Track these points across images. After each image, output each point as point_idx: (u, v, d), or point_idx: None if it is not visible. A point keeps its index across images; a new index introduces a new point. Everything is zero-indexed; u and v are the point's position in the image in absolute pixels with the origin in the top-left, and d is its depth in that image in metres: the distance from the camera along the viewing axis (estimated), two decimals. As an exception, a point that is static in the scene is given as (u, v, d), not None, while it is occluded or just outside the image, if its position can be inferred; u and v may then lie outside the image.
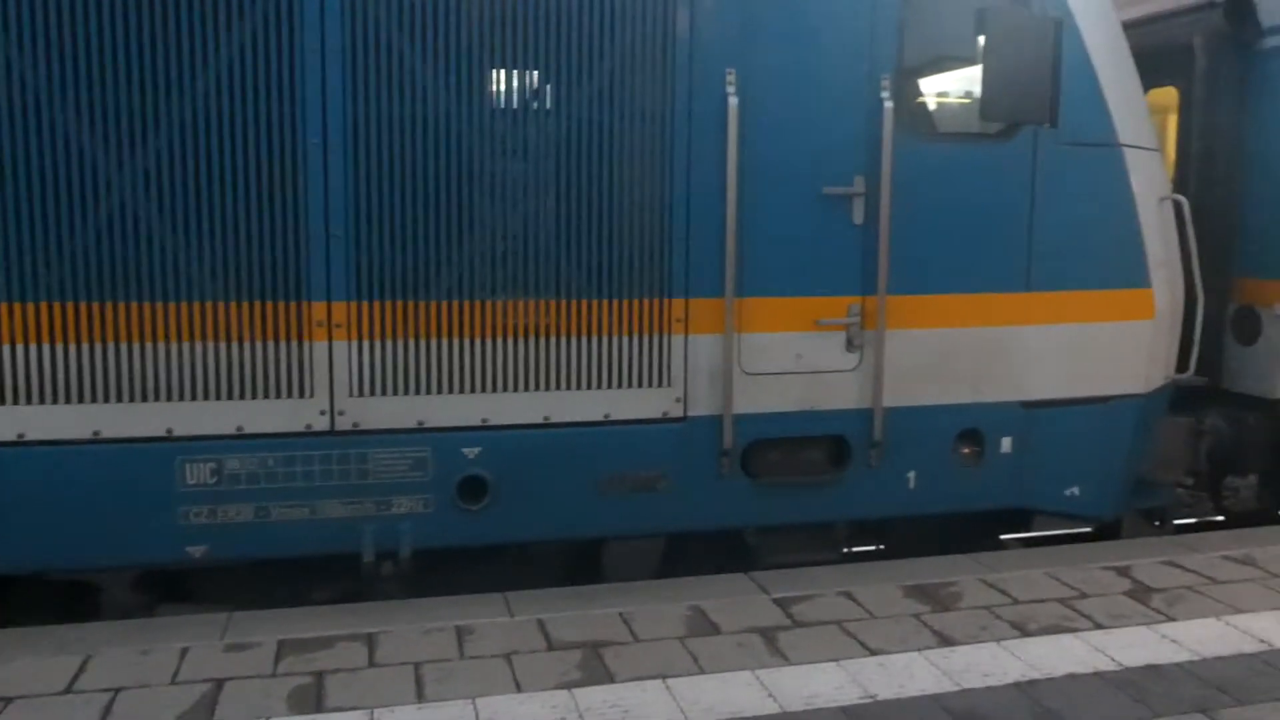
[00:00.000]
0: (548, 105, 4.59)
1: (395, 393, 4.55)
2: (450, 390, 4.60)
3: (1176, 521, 6.89)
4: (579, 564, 5.22)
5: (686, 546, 5.27)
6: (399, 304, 4.50)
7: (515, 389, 4.67)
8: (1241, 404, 6.48)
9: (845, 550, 5.61)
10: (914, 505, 5.30)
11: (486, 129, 4.50)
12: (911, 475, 5.25)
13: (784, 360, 4.99)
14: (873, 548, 5.95)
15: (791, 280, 4.96)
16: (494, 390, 4.64)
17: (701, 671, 3.95)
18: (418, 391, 4.57)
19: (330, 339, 4.46)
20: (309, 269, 4.39)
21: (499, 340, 4.62)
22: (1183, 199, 5.68)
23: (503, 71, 4.54)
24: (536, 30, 4.50)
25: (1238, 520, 7.09)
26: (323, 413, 4.48)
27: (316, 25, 4.29)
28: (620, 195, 4.68)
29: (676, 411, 4.89)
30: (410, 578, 4.80)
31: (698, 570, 5.14)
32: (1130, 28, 5.73)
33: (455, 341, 4.58)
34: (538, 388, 4.69)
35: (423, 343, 4.55)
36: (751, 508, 5.07)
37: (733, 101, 4.70)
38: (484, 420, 4.65)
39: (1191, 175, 6.53)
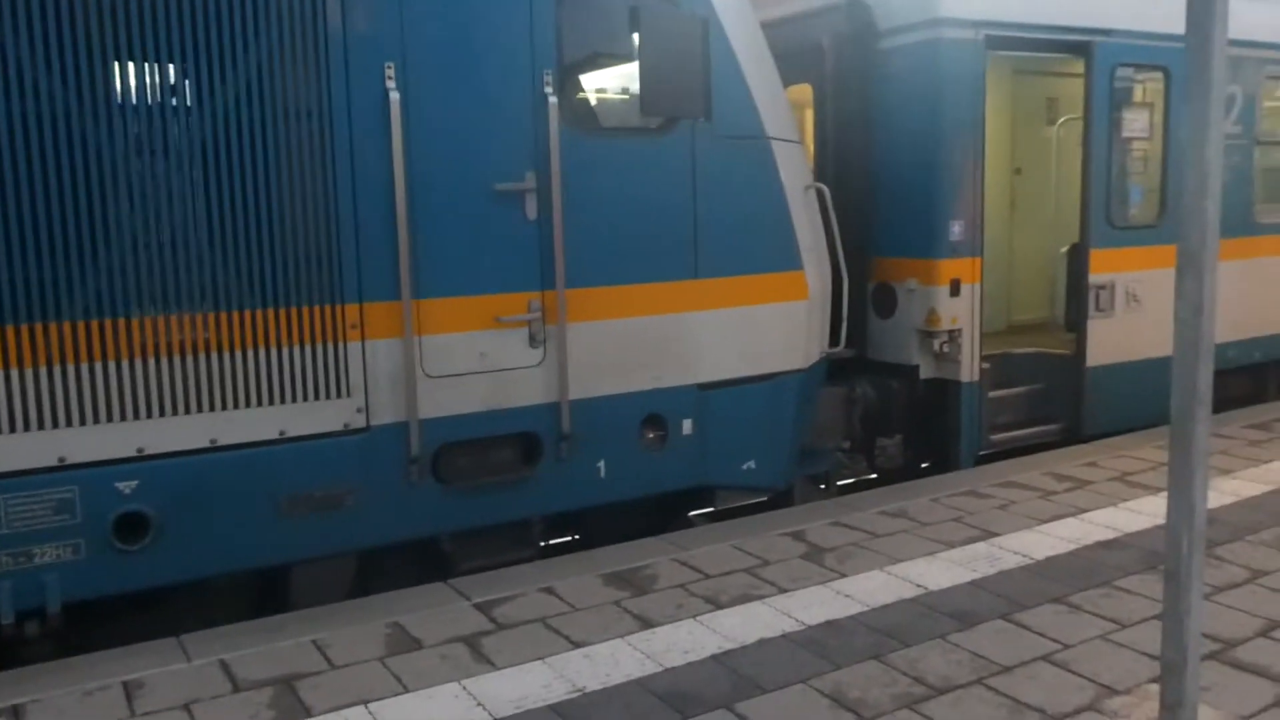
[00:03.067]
0: (188, 102, 4.20)
1: (28, 428, 4.00)
2: (96, 420, 4.11)
3: (840, 483, 7.50)
4: (265, 594, 4.85)
5: (381, 561, 5.05)
6: (24, 328, 3.95)
7: (174, 412, 4.25)
8: (885, 371, 7.16)
9: (543, 545, 5.61)
10: (607, 493, 5.39)
11: (116, 128, 4.05)
12: (602, 464, 5.33)
13: (468, 360, 4.90)
14: (569, 539, 6.01)
15: (470, 279, 4.88)
16: (149, 416, 4.20)
17: (406, 690, 3.79)
18: (55, 425, 4.04)
19: None
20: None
21: (151, 360, 4.18)
22: (824, 187, 6.16)
23: (133, 66, 4.10)
24: (170, 20, 4.10)
25: (888, 476, 7.84)
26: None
27: None
28: (278, 197, 4.37)
29: (359, 422, 4.66)
30: (64, 635, 4.25)
31: (395, 584, 4.93)
32: (767, 28, 6.13)
33: (98, 365, 4.09)
34: (201, 409, 4.30)
35: (57, 369, 4.03)
36: (445, 514, 4.94)
37: (394, 97, 4.54)
38: (139, 450, 4.20)
39: (829, 166, 7.12)
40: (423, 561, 5.13)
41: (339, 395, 4.60)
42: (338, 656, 4.08)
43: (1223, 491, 5.95)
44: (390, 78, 4.55)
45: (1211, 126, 3.07)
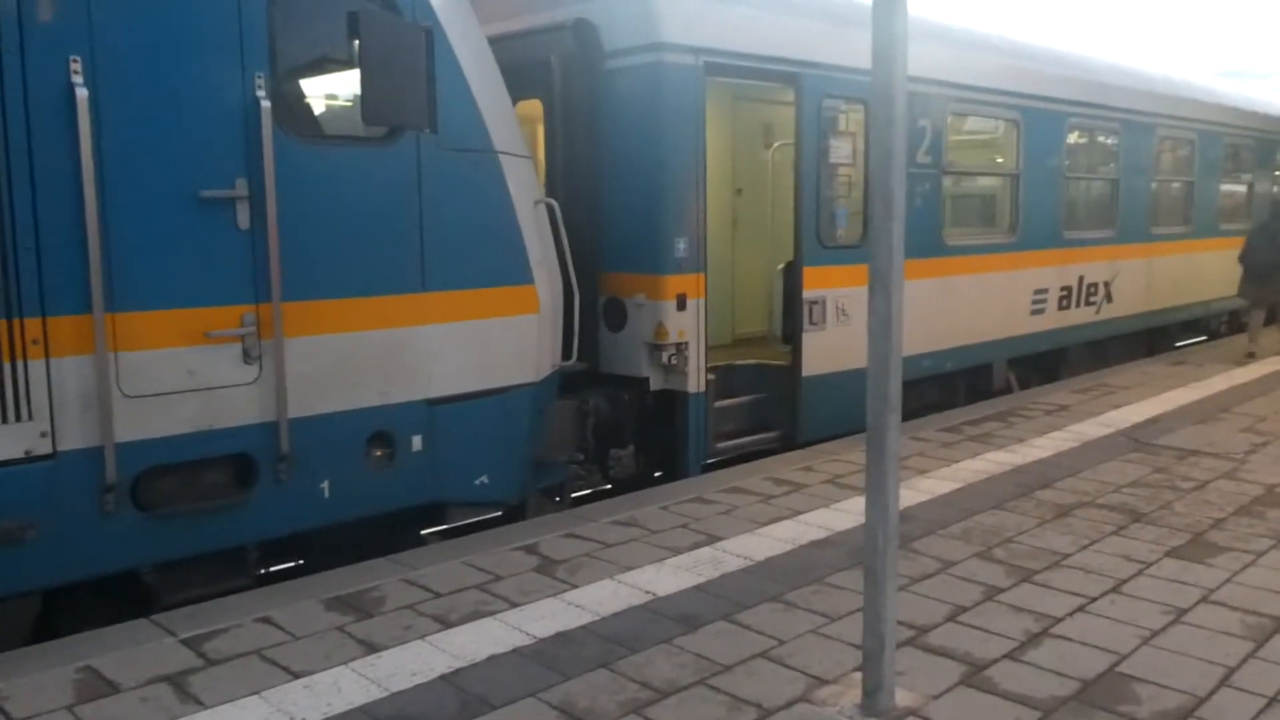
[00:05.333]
0: None
1: None
2: None
3: (574, 495, 7.58)
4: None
5: (74, 599, 4.59)
6: None
7: None
8: (616, 384, 7.31)
9: (261, 572, 5.30)
10: (331, 514, 5.17)
11: None
12: (326, 484, 5.11)
13: (173, 378, 4.55)
14: (292, 564, 5.71)
15: (175, 291, 4.53)
16: None
17: (98, 741, 3.46)
18: None
19: None
20: None
21: None
22: (554, 202, 6.22)
23: None
24: None
25: (622, 486, 8.00)
26: None
27: None
28: None
29: (44, 448, 4.22)
30: None
31: (91, 625, 4.50)
32: (496, 43, 6.12)
33: None
34: None
35: None
36: (147, 544, 4.56)
37: (82, 93, 4.15)
38: None
39: (559, 181, 7.20)
40: (124, 597, 4.72)
41: (19, 419, 4.15)
42: (18, 709, 3.66)
43: (918, 490, 6.49)
44: (76, 72, 4.16)
45: (896, 156, 3.34)
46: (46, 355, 4.19)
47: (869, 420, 3.48)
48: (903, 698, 3.73)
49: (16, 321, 4.10)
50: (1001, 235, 10.19)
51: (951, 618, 4.52)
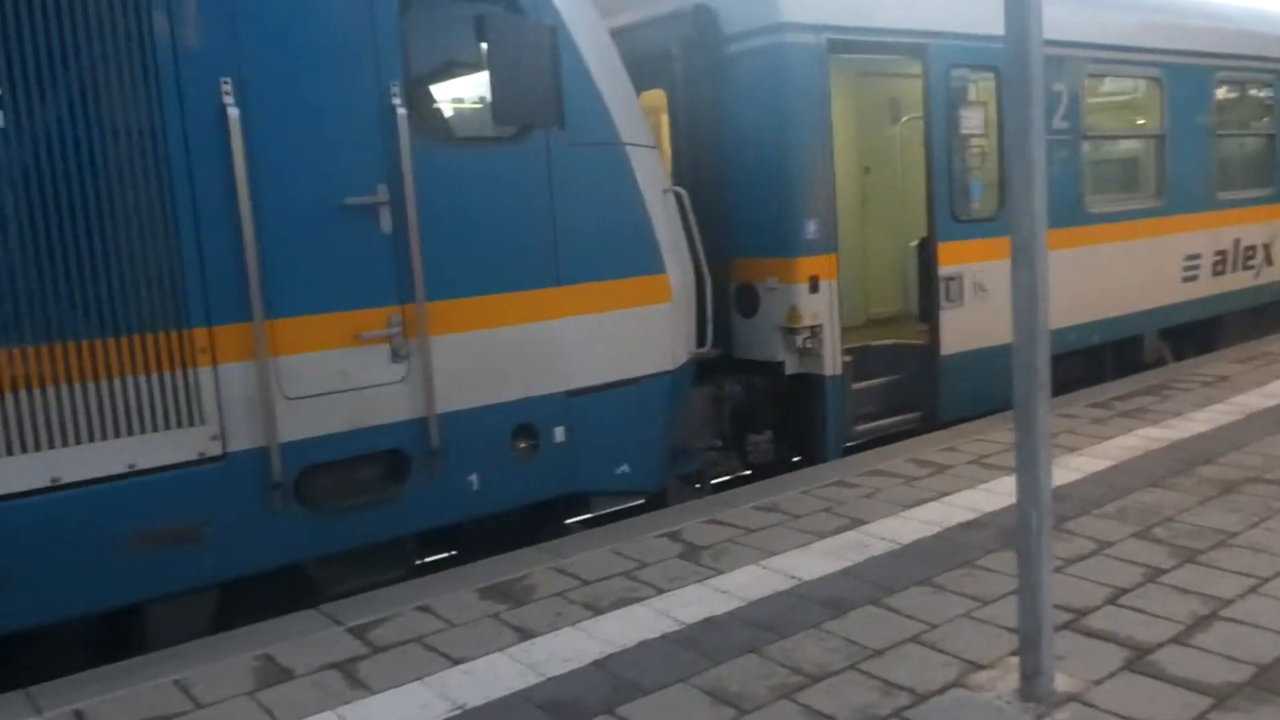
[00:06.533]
0: (3, 124, 3.95)
1: None
2: (-77, 464, 3.85)
3: (713, 481, 7.60)
4: (121, 636, 4.62)
5: (248, 591, 4.87)
6: None
7: (10, 452, 4.00)
8: (751, 369, 7.30)
9: (417, 563, 5.51)
10: (480, 506, 5.33)
11: None
12: (474, 478, 5.27)
13: (328, 380, 4.77)
14: (445, 555, 5.92)
15: (326, 296, 4.75)
16: None
17: (277, 724, 3.66)
18: None
19: None
20: None
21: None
22: (682, 191, 6.24)
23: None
24: None
25: (761, 471, 7.98)
26: None
27: None
28: (109, 221, 4.16)
29: (215, 450, 4.49)
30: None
31: (263, 616, 4.76)
32: (617, 35, 6.17)
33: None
34: (39, 447, 4.06)
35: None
36: (311, 539, 4.80)
37: (233, 113, 4.38)
38: (-26, 494, 3.95)
39: (686, 169, 7.22)
40: (292, 590, 4.97)
41: (192, 423, 4.42)
42: (203, 695, 3.91)
43: (1070, 469, 6.27)
44: (227, 93, 4.39)
45: (1034, 123, 3.24)
46: (214, 362, 4.45)
47: (1016, 396, 3.39)
48: (1062, 683, 3.62)
49: (185, 332, 4.37)
50: (1147, 200, 9.71)
51: (1111, 600, 4.37)
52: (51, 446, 4.09)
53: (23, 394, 4.02)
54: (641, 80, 6.45)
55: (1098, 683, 3.65)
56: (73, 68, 4.06)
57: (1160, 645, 3.91)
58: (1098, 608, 4.29)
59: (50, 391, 4.07)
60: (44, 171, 4.03)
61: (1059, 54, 8.30)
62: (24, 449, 4.03)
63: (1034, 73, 3.21)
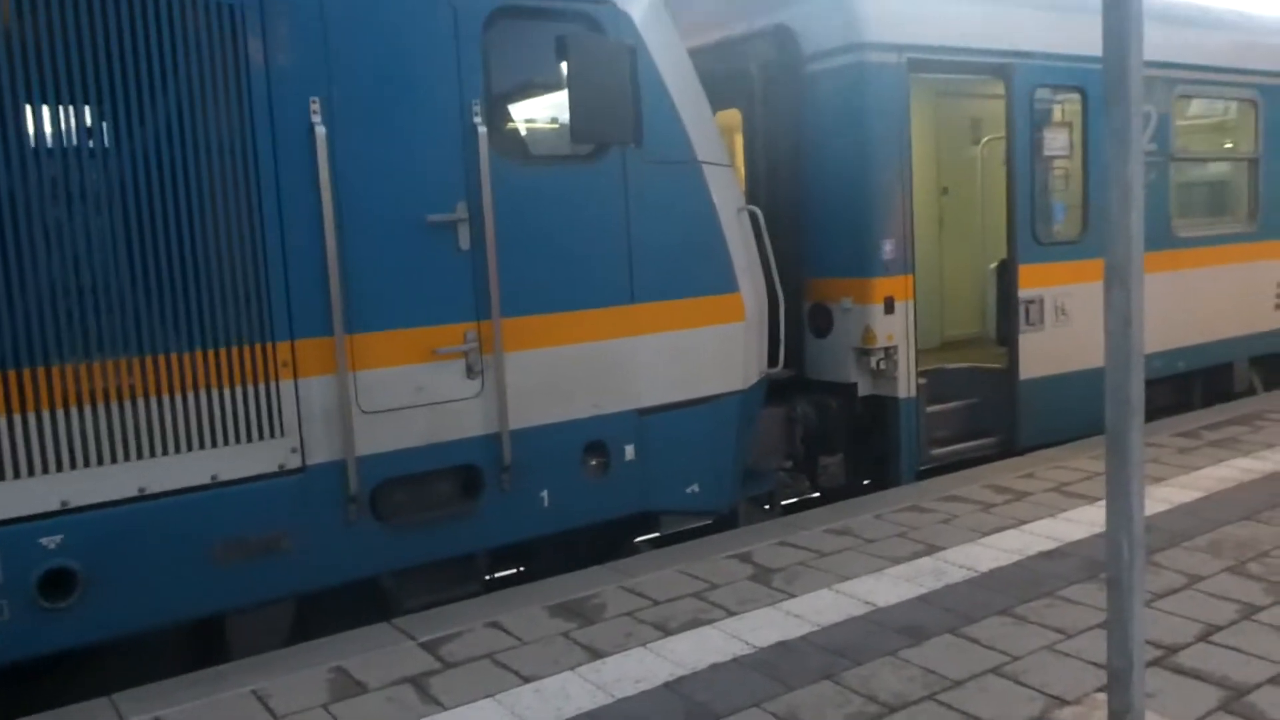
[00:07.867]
0: (106, 143, 4.08)
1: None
2: (16, 474, 3.95)
3: (784, 503, 7.52)
4: (202, 645, 4.70)
5: (322, 604, 4.92)
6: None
7: (100, 462, 4.10)
8: (823, 390, 7.21)
9: (488, 579, 5.52)
10: (550, 523, 5.33)
11: (30, 173, 3.91)
12: (545, 494, 5.27)
13: (404, 394, 4.81)
14: (514, 571, 5.92)
15: (404, 311, 4.80)
16: (73, 467, 4.05)
17: (350, 736, 3.69)
18: None
19: None
20: None
21: (73, 409, 4.03)
22: (757, 210, 6.20)
23: (46, 108, 3.97)
24: (82, 63, 3.98)
25: (831, 494, 7.87)
26: None
27: None
28: (202, 237, 4.26)
29: (294, 462, 4.55)
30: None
31: (337, 628, 4.81)
32: (696, 54, 6.17)
33: (17, 417, 3.93)
34: (128, 457, 4.16)
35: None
36: (386, 552, 4.84)
37: (320, 131, 4.47)
38: (64, 503, 4.04)
39: (761, 188, 7.18)
40: (365, 602, 5.02)
41: (273, 435, 4.49)
42: (280, 706, 3.95)
43: (1156, 499, 6.07)
44: (315, 112, 4.48)
45: (1132, 144, 3.14)
46: (295, 376, 4.52)
47: (1109, 423, 3.28)
48: (1153, 721, 3.49)
49: (269, 345, 4.44)
50: (1239, 224, 9.41)
51: (1204, 637, 4.20)
52: (140, 457, 4.19)
53: (114, 405, 4.12)
54: (717, 99, 6.43)
55: (1191, 723, 3.51)
56: (170, 90, 4.18)
57: (1257, 686, 3.75)
58: (1189, 645, 4.13)
59: (140, 403, 4.17)
60: (140, 189, 4.14)
61: (1149, 74, 8.08)
62: (114, 460, 4.13)
63: (1133, 94, 3.12)
